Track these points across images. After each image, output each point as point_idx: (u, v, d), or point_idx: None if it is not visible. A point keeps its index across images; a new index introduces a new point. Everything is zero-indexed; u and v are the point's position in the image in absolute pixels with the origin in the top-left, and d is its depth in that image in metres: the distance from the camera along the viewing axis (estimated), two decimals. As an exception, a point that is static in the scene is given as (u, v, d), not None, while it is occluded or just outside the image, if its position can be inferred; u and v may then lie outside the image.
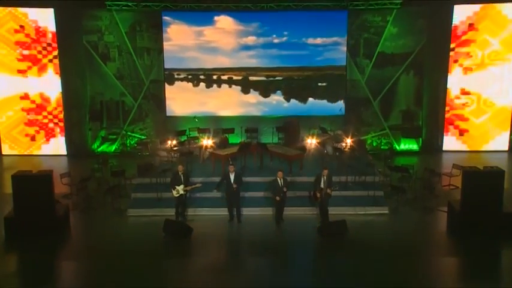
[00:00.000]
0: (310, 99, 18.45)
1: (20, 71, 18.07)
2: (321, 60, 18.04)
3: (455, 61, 18.09)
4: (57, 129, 18.56)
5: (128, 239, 12.44)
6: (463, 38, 17.95)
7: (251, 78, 18.29)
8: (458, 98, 18.36)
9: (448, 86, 18.18)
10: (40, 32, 17.85)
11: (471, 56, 18.02)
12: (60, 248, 12.06)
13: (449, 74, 18.10)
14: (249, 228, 12.99)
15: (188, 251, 12.01)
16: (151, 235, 12.52)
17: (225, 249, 12.31)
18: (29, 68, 18.10)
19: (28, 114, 18.40)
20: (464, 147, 18.65)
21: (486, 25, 17.79)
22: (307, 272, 11.09)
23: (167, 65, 18.15)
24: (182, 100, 18.46)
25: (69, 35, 17.83)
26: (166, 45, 17.92)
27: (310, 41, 17.90)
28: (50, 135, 18.66)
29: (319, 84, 18.33)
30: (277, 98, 18.51)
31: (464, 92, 18.30)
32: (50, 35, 17.83)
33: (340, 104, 18.35)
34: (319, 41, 17.90)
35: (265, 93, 18.47)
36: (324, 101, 18.43)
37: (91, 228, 13.20)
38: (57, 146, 18.63)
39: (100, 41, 18.05)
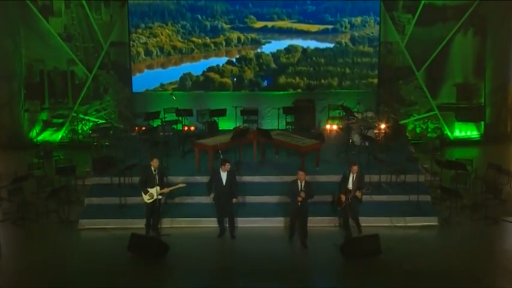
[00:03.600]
0: None
1: None
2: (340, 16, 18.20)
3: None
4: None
5: (80, 261, 12.41)
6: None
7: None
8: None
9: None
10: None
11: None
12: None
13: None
14: (246, 245, 13.03)
15: (162, 276, 11.98)
16: (111, 255, 12.53)
17: (214, 274, 12.28)
18: None
19: None
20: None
21: None
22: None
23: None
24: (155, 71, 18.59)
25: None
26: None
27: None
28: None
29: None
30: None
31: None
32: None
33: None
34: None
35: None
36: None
37: (28, 246, 13.15)
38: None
39: (40, -12, 18.03)
